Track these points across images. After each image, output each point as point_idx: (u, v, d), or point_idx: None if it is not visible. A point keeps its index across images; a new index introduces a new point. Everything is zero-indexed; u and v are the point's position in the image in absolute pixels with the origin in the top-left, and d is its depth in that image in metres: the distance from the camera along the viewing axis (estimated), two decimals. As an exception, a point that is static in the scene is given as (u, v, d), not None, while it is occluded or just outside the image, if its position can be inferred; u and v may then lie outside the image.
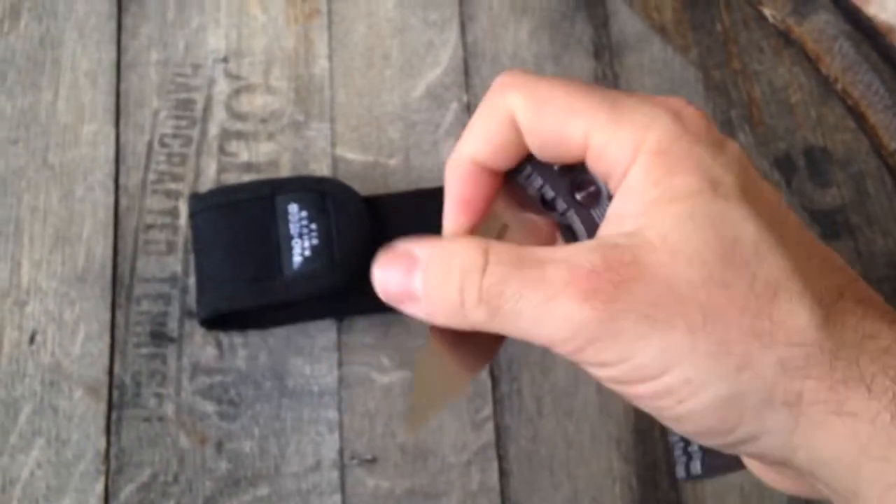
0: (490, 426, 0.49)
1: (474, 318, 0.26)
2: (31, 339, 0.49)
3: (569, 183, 0.29)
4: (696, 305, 0.24)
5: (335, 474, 0.47)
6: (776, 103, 0.59)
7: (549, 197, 0.29)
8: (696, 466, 0.28)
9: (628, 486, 0.48)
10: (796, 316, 0.23)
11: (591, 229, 0.28)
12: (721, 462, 0.28)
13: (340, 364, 0.50)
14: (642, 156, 0.25)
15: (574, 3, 0.60)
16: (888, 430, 0.22)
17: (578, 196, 0.29)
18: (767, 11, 0.60)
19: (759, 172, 0.28)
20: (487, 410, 0.49)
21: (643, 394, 0.25)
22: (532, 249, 0.26)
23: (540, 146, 0.28)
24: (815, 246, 0.26)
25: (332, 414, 0.48)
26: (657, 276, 0.24)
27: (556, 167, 0.29)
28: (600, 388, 0.50)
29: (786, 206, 0.28)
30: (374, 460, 0.48)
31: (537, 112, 0.27)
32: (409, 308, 0.27)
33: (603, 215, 0.28)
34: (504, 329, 0.26)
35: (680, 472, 0.28)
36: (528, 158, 0.29)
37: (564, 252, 0.25)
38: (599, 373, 0.25)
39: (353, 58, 0.57)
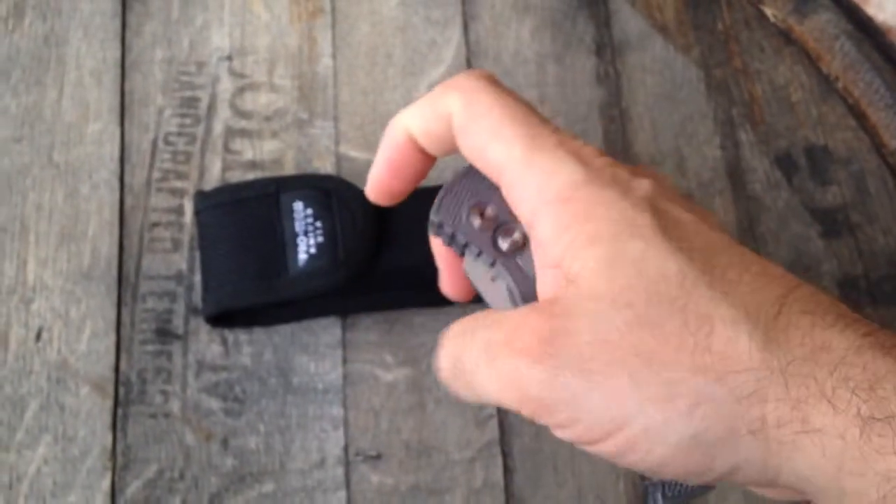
0: (494, 423, 0.50)
1: (455, 390, 0.29)
2: (38, 337, 0.50)
3: (491, 235, 0.29)
4: (631, 351, 0.23)
5: (340, 471, 0.48)
6: (777, 102, 0.60)
7: (474, 253, 0.30)
8: (658, 500, 0.28)
9: (632, 482, 0.49)
10: (735, 343, 0.23)
11: (520, 280, 0.28)
12: (682, 491, 0.28)
13: (345, 361, 0.51)
14: (546, 206, 0.26)
15: (576, 1, 0.61)
16: (859, 445, 0.21)
17: (503, 245, 0.29)
18: (768, 11, 0.61)
19: (677, 192, 0.28)
20: (491, 408, 0.50)
21: (611, 451, 0.25)
22: (490, 313, 0.28)
23: (468, 155, 0.29)
24: (749, 261, 0.25)
25: (337, 411, 0.49)
26: (586, 326, 0.24)
27: (474, 223, 0.30)
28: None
29: (711, 223, 0.26)
30: (378, 457, 0.49)
31: (467, 125, 0.27)
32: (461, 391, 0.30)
33: (530, 261, 0.28)
34: (482, 399, 0.27)
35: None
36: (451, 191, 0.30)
37: (511, 313, 0.26)
38: (565, 435, 0.25)
39: (357, 56, 0.58)
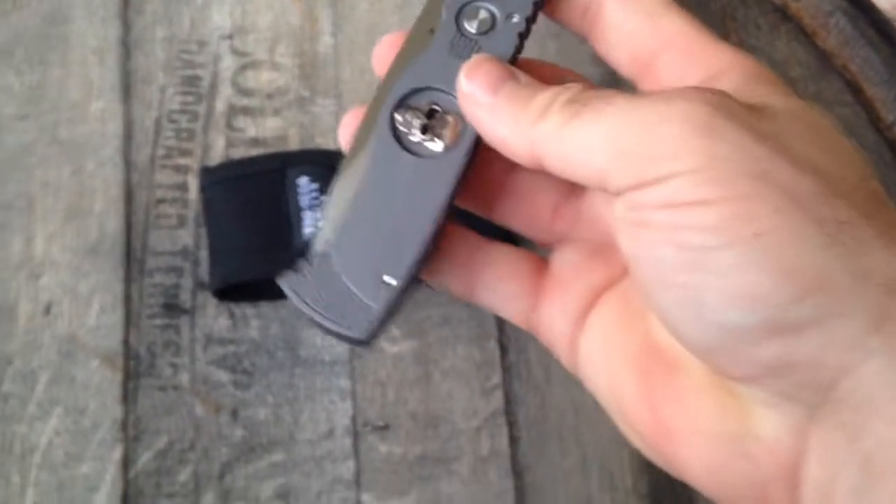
0: (499, 393, 0.52)
1: (545, 125, 0.24)
2: (47, 311, 0.52)
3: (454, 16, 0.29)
4: (809, 161, 0.21)
5: (348, 441, 0.51)
6: (775, 78, 0.63)
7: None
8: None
9: (636, 451, 0.52)
10: None
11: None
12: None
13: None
14: (734, 70, 0.25)
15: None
16: None
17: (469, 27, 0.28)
18: (766, -12, 0.64)
19: None
20: (497, 378, 0.53)
21: (703, 220, 0.21)
22: None
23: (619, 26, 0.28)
24: None
25: (345, 382, 0.52)
26: (777, 125, 0.22)
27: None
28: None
29: None
30: (386, 427, 0.51)
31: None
32: (478, 104, 0.26)
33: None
34: (565, 143, 0.23)
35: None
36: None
37: None
38: (651, 193, 0.22)
39: (357, 34, 0.61)
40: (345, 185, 0.27)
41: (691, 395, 0.24)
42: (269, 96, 0.58)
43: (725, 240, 0.20)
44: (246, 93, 0.58)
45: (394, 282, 0.26)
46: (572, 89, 0.24)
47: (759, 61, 0.26)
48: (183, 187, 0.55)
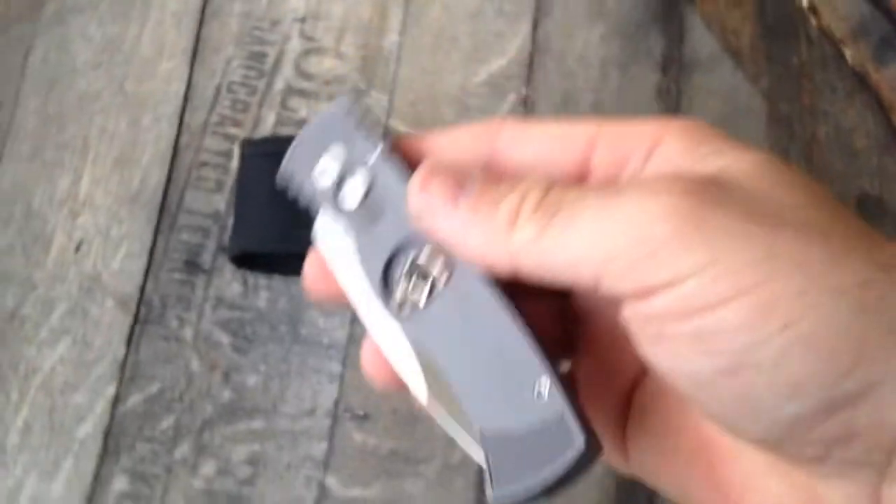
0: (483, 406, 0.53)
1: (520, 237, 0.23)
2: (77, 248, 0.57)
3: (334, 190, 0.27)
4: (804, 221, 0.21)
5: (327, 423, 0.53)
6: (839, 146, 0.62)
7: (320, 206, 0.28)
8: (486, 488, 0.24)
9: (605, 492, 0.52)
10: None
11: (368, 238, 0.27)
12: (514, 480, 0.23)
13: (353, 321, 0.56)
14: (674, 129, 0.24)
15: (651, 14, 0.65)
16: None
17: (346, 200, 0.27)
18: (847, 52, 0.64)
19: None
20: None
21: (732, 320, 0.20)
22: None
23: (532, 152, 0.26)
24: None
25: (336, 367, 0.54)
26: (753, 191, 0.22)
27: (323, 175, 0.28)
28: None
29: None
30: (365, 417, 0.53)
31: (533, 126, 0.27)
32: (438, 220, 0.24)
33: (374, 214, 0.27)
34: (549, 251, 0.22)
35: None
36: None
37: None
38: (664, 300, 0.21)
39: (424, 36, 0.63)
40: (418, 389, 0.26)
41: (758, 480, 0.24)
42: (327, 83, 0.61)
43: (758, 337, 0.20)
44: (306, 76, 0.61)
45: (545, 388, 0.24)
46: (536, 189, 0.23)
47: (690, 120, 0.26)
48: (227, 155, 0.59)
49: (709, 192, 0.21)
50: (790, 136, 0.63)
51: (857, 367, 0.20)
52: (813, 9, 0.66)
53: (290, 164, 0.28)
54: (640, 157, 0.25)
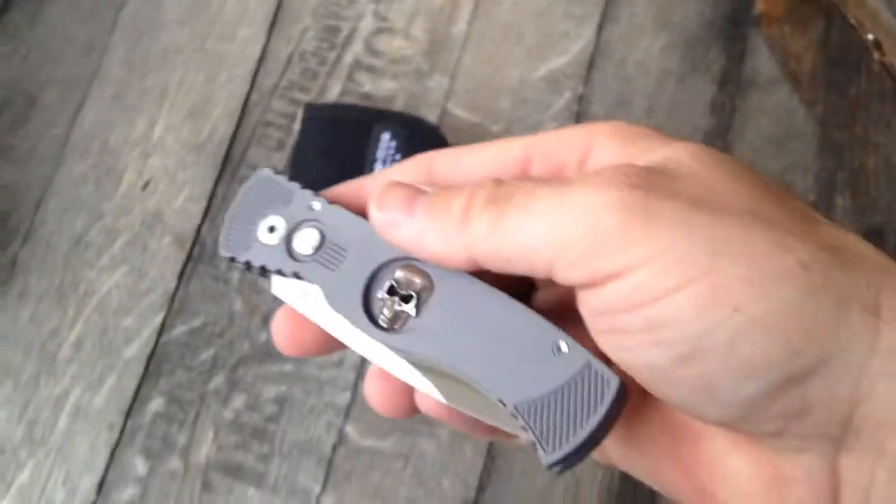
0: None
1: (474, 228, 0.24)
2: (145, 186, 0.62)
3: (285, 247, 0.28)
4: (745, 208, 0.22)
5: (352, 375, 0.57)
6: (887, 179, 0.64)
7: (274, 272, 0.28)
8: (541, 455, 0.25)
9: (610, 476, 0.55)
10: (848, 236, 0.22)
11: (331, 279, 0.27)
12: (565, 438, 0.24)
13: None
14: (603, 133, 0.26)
15: (716, 31, 0.67)
16: None
17: (301, 249, 0.28)
18: (904, 87, 0.65)
19: None
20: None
21: (683, 307, 0.21)
22: None
23: (469, 178, 0.28)
24: None
25: (368, 325, 0.58)
26: (695, 180, 0.23)
27: (265, 241, 0.28)
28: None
29: None
30: (389, 374, 0.57)
31: (463, 153, 0.28)
32: (399, 229, 0.26)
33: (336, 253, 0.28)
34: (504, 240, 0.23)
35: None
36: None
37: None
38: (617, 290, 0.22)
39: (491, 28, 0.67)
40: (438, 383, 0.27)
41: (723, 461, 0.25)
42: (393, 61, 0.66)
43: (709, 323, 0.21)
44: (374, 53, 0.66)
45: (564, 346, 0.25)
46: (487, 186, 0.25)
47: (612, 123, 0.26)
48: (292, 118, 0.64)
49: (653, 182, 0.22)
50: (839, 164, 0.65)
51: (809, 343, 0.21)
52: (878, 44, 0.68)
53: (229, 240, 0.29)
54: (574, 164, 0.26)
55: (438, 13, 0.69)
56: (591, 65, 0.68)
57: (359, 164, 0.59)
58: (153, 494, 0.56)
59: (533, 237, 0.23)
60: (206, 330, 0.59)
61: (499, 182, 0.25)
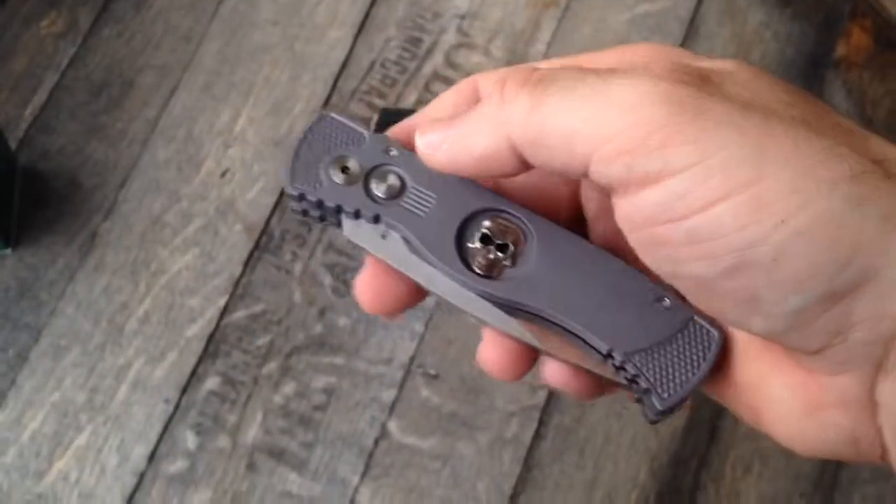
0: (544, 393, 0.57)
1: (514, 109, 0.23)
2: (223, 174, 0.64)
3: (363, 188, 0.26)
4: (794, 117, 0.21)
5: (399, 374, 0.58)
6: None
7: (351, 215, 0.27)
8: (655, 402, 0.25)
9: (644, 498, 0.55)
10: (893, 150, 0.22)
11: (414, 224, 0.26)
12: (678, 383, 0.25)
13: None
14: (646, 54, 0.25)
15: (795, 71, 0.67)
16: None
17: (379, 193, 0.27)
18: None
19: None
20: (548, 379, 0.57)
21: (726, 218, 0.20)
22: None
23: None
24: None
25: (419, 327, 0.59)
26: (745, 87, 0.22)
27: (338, 180, 0.27)
28: (657, 405, 0.57)
29: None
30: (436, 377, 0.58)
31: (505, 73, 0.26)
32: (440, 147, 0.25)
33: (417, 198, 0.27)
34: (545, 123, 0.22)
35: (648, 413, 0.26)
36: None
37: None
38: (658, 196, 0.21)
39: (569, 51, 0.68)
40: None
41: (764, 383, 0.25)
42: (470, 76, 0.66)
43: (755, 236, 0.20)
44: (453, 66, 0.67)
45: (668, 301, 0.25)
46: (522, 69, 0.23)
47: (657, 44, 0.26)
48: (367, 121, 0.65)
49: (704, 81, 0.21)
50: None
51: (855, 256, 0.20)
52: (959, 96, 0.67)
53: (296, 177, 0.27)
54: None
55: (519, 34, 0.70)
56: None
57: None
58: (200, 469, 0.58)
59: (575, 123, 0.21)
60: (265, 317, 0.61)
61: (536, 68, 0.23)
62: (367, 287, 0.27)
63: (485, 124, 0.23)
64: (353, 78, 0.69)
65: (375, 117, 0.66)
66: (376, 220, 0.26)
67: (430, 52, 0.69)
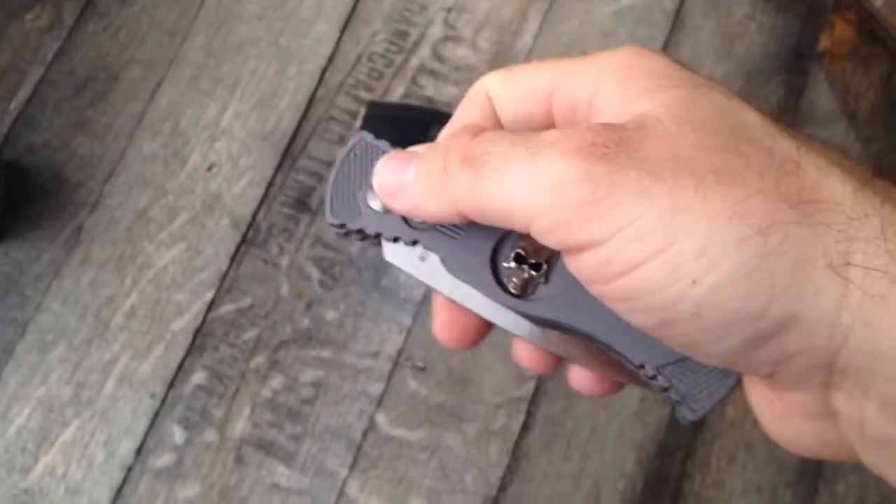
0: (532, 384, 0.57)
1: (456, 185, 0.24)
2: (209, 168, 0.64)
3: (400, 216, 0.28)
4: (708, 167, 0.22)
5: (388, 367, 0.58)
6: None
7: (390, 240, 0.28)
8: (686, 413, 0.26)
9: (632, 487, 0.55)
10: (826, 181, 0.22)
11: (449, 247, 0.28)
12: (706, 395, 0.26)
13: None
14: (609, 73, 0.25)
15: (778, 63, 0.67)
16: None
17: (416, 220, 0.28)
18: (965, 132, 0.64)
19: None
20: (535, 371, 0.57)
21: (647, 281, 0.22)
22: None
23: (511, 111, 0.29)
24: (827, 146, 0.24)
25: (407, 320, 0.59)
26: (663, 140, 0.22)
27: (376, 208, 0.28)
28: (644, 396, 0.57)
29: None
30: (423, 369, 0.58)
31: (508, 78, 0.28)
32: (398, 201, 0.26)
33: (454, 225, 0.28)
34: (485, 200, 0.24)
35: (681, 418, 0.27)
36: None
37: (568, 129, 0.24)
38: (590, 261, 0.23)
39: (556, 43, 0.68)
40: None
41: (749, 394, 0.27)
42: (457, 69, 0.67)
43: (673, 295, 0.22)
44: (439, 59, 0.67)
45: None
46: (462, 141, 0.25)
47: (626, 53, 0.26)
48: (354, 114, 0.65)
49: (620, 148, 0.22)
50: (889, 202, 0.64)
51: (771, 305, 0.21)
52: (942, 87, 0.67)
53: (334, 207, 0.28)
54: (584, 104, 0.26)
55: (506, 26, 0.70)
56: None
57: (413, 164, 0.60)
58: (188, 463, 0.58)
59: (510, 201, 0.23)
60: (252, 310, 0.61)
61: (475, 133, 0.25)
62: (443, 328, 0.30)
63: (431, 193, 0.25)
64: (340, 71, 0.68)
65: (363, 111, 0.66)
66: (414, 244, 0.27)
67: (416, 45, 0.69)
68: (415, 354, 0.60)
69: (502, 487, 0.56)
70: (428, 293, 0.61)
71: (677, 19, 0.69)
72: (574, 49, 0.69)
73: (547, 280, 0.28)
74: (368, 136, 0.29)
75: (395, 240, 0.28)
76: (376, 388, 0.59)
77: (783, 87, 0.68)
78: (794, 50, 0.69)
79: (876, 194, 0.21)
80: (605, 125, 0.23)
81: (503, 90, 0.28)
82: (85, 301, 0.62)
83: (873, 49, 0.69)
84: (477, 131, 0.25)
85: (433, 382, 0.59)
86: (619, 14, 0.70)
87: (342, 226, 0.28)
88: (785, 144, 0.22)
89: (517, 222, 0.23)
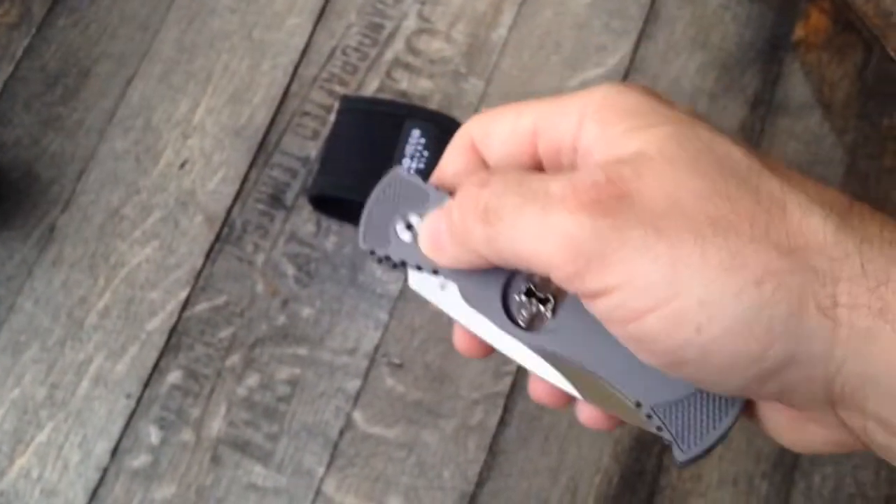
0: (509, 380, 0.57)
1: (477, 239, 0.27)
2: (182, 165, 0.63)
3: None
4: (704, 217, 0.23)
5: (364, 364, 0.57)
6: (910, 209, 0.62)
7: (413, 267, 0.31)
8: (677, 453, 0.28)
9: (608, 481, 0.55)
10: (808, 223, 0.23)
11: (468, 279, 0.30)
12: (698, 438, 0.27)
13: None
14: (590, 113, 0.27)
15: (754, 54, 0.67)
16: None
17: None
18: (938, 122, 0.64)
19: None
20: (512, 366, 0.57)
21: (653, 328, 0.24)
22: (536, 173, 0.27)
23: (497, 154, 0.30)
24: (805, 176, 0.26)
25: (383, 316, 0.59)
26: (661, 188, 0.24)
27: (404, 238, 0.31)
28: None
29: None
30: (400, 366, 0.57)
31: (491, 122, 0.30)
32: (443, 260, 0.29)
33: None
34: (505, 252, 0.26)
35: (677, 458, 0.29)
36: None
37: (569, 173, 0.26)
38: (604, 306, 0.25)
39: (530, 35, 0.67)
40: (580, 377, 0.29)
41: (758, 405, 0.29)
42: (432, 61, 0.66)
43: (681, 341, 0.24)
44: (414, 52, 0.66)
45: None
46: (472, 194, 0.27)
47: (606, 92, 0.27)
48: (328, 109, 0.64)
49: (620, 202, 0.24)
50: (864, 193, 0.64)
51: (768, 350, 0.23)
52: (916, 77, 0.67)
53: (367, 235, 0.31)
54: (568, 147, 0.28)
55: (481, 18, 0.69)
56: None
57: (388, 156, 0.59)
58: (164, 463, 0.57)
59: (526, 253, 0.26)
60: (227, 308, 0.60)
61: (482, 184, 0.27)
62: (461, 340, 0.32)
63: (457, 246, 0.28)
64: (314, 65, 0.67)
65: (336, 105, 0.65)
66: (435, 273, 0.30)
67: (391, 37, 0.68)
68: (391, 351, 0.59)
69: (480, 483, 0.56)
70: (404, 289, 0.61)
71: (652, 10, 0.69)
72: (549, 42, 0.68)
73: (554, 314, 0.29)
74: (402, 171, 0.31)
75: (419, 268, 0.30)
76: (353, 385, 0.58)
77: (759, 78, 0.67)
78: (770, 40, 0.69)
79: (855, 232, 0.23)
80: (608, 178, 0.25)
81: (487, 134, 0.30)
82: (58, 301, 0.61)
83: (848, 38, 0.68)
84: (483, 181, 0.27)
85: (410, 379, 0.58)
86: (594, 5, 0.69)
87: (372, 252, 0.31)
88: (768, 183, 0.24)
89: (539, 270, 0.26)
